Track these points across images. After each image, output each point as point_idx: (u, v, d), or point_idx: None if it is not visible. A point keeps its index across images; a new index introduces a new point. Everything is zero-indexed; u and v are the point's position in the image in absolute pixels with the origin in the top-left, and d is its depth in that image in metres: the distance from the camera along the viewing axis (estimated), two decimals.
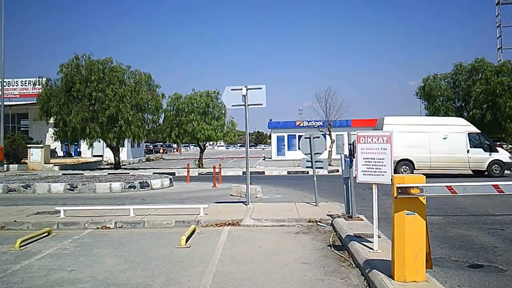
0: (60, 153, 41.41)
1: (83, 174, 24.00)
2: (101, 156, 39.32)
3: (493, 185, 4.74)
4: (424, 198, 4.90)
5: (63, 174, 24.60)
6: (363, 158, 6.18)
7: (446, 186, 4.84)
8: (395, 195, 4.87)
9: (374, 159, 6.06)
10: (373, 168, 6.09)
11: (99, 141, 30.96)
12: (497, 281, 5.64)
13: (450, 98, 27.74)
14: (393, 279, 4.95)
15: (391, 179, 5.07)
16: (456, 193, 4.84)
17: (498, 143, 56.76)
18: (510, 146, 53.10)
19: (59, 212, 10.11)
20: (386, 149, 5.99)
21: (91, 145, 30.55)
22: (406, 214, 4.89)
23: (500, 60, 28.25)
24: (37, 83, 31.42)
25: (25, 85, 39.98)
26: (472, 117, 26.55)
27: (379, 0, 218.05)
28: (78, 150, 42.32)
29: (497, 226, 9.09)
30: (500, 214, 10.58)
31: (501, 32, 29.00)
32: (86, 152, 39.54)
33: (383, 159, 5.98)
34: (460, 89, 27.48)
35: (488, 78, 25.92)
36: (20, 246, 7.62)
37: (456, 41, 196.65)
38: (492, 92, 25.33)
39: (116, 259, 6.93)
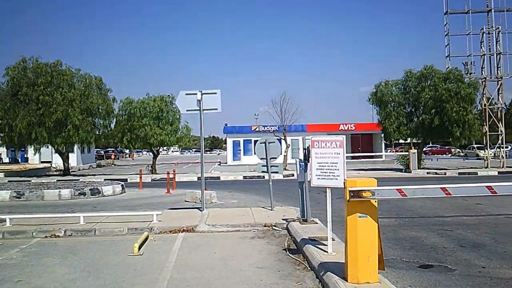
0: (6, 159, 39.80)
1: (30, 181, 23.10)
2: (50, 162, 38.07)
3: (441, 187, 4.88)
4: (375, 201, 4.99)
5: (9, 181, 23.61)
6: (317, 163, 6.24)
7: (397, 189, 4.95)
8: (348, 198, 4.93)
9: (328, 163, 6.14)
10: (326, 172, 6.16)
11: (47, 147, 29.93)
12: (446, 280, 5.81)
13: (401, 104, 28.49)
14: (347, 280, 5.01)
15: (344, 183, 5.14)
16: (406, 196, 4.96)
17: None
18: (458, 150, 55.44)
19: (5, 221, 9.68)
20: (339, 153, 6.08)
21: (37, 151, 29.45)
22: (359, 217, 4.97)
23: (448, 67, 29.25)
24: None
25: None
26: (422, 122, 27.42)
27: (331, 6, 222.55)
28: (25, 156, 40.84)
29: (447, 227, 9.40)
30: (449, 216, 10.95)
31: (449, 40, 30.11)
32: (34, 158, 38.23)
33: (336, 163, 6.07)
34: (410, 95, 28.26)
35: (436, 84, 26.82)
36: None
37: (407, 49, 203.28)
38: (440, 98, 26.23)
39: (66, 268, 6.69)
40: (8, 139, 27.50)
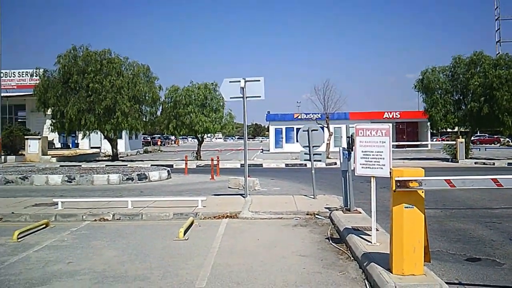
0: (58, 145, 41.33)
1: (80, 165, 23.96)
2: (99, 148, 39.28)
3: (492, 178, 4.72)
4: (422, 192, 4.89)
5: (60, 165, 24.57)
6: (362, 151, 6.16)
7: (445, 179, 4.82)
8: (394, 188, 4.85)
9: (373, 152, 6.04)
10: (371, 161, 6.07)
11: (97, 133, 30.90)
12: (495, 275, 5.66)
13: (448, 91, 27.57)
14: (391, 272, 4.96)
15: (390, 172, 5.06)
16: (455, 187, 4.83)
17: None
18: (507, 139, 53.39)
19: (57, 204, 10.10)
20: (384, 142, 5.97)
21: (85, 136, 30.49)
22: (405, 207, 4.89)
23: (499, 53, 27.99)
24: (34, 74, 31.29)
25: (22, 76, 39.84)
26: (470, 110, 26.46)
27: None
28: (76, 141, 42.24)
29: (495, 220, 9.12)
30: (497, 208, 10.60)
31: (500, 25, 28.88)
32: (84, 144, 39.49)
33: (382, 152, 5.97)
34: (459, 82, 27.28)
35: (486, 71, 25.74)
36: (18, 238, 7.62)
37: (455, 34, 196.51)
38: (490, 85, 25.18)
39: (114, 251, 6.93)
40: (59, 125, 28.61)
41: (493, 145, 53.71)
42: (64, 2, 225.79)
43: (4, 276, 5.71)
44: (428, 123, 30.68)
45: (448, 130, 37.85)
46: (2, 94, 31.42)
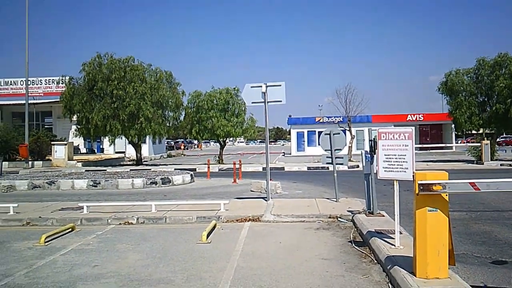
0: (83, 150, 42.04)
1: (105, 170, 24.30)
2: (123, 152, 39.79)
3: None
4: (446, 195, 4.85)
5: (86, 170, 24.95)
6: (384, 155, 6.14)
7: (469, 182, 4.77)
8: (417, 191, 4.82)
9: (396, 155, 6.03)
10: (394, 165, 6.05)
11: (121, 138, 31.33)
12: None
13: (473, 93, 27.31)
14: (415, 275, 4.92)
15: (413, 176, 5.03)
16: (479, 190, 4.77)
17: None
18: None
19: (83, 208, 10.27)
20: (407, 145, 5.95)
21: (112, 142, 30.98)
22: (428, 210, 4.85)
23: None
24: (60, 81, 31.84)
25: (48, 84, 40.77)
26: (495, 111, 26.11)
27: None
28: (101, 146, 42.95)
29: None
30: None
31: None
32: (109, 149, 40.08)
33: (405, 155, 5.95)
34: (483, 84, 27.02)
35: None
36: (45, 242, 7.78)
37: (480, 36, 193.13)
38: None
39: (139, 254, 7.03)
40: (85, 131, 29.13)
41: None
42: (89, 12, 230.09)
43: (32, 279, 5.85)
44: (453, 125, 30.24)
45: (473, 132, 37.30)
46: (30, 101, 32.09)
